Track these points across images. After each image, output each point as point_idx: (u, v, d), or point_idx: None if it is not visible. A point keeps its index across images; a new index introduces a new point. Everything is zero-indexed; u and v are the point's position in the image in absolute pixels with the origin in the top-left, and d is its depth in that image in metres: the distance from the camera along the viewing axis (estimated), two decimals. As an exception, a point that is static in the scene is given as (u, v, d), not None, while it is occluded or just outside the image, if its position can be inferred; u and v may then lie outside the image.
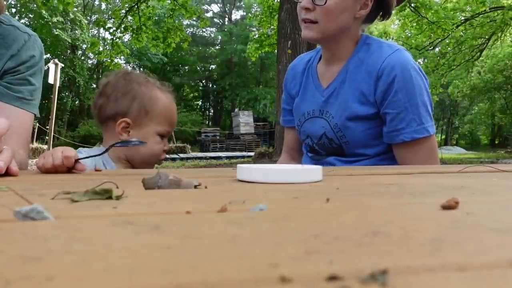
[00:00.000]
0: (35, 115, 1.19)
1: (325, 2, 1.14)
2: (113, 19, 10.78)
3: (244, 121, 20.57)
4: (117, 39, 10.30)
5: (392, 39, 14.95)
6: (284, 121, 1.50)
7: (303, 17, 1.19)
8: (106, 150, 0.89)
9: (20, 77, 1.15)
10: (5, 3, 1.06)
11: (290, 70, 1.44)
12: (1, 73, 1.12)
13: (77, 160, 0.81)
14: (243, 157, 13.49)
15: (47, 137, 11.16)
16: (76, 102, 24.02)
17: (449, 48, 13.17)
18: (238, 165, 0.69)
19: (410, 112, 1.13)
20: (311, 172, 0.65)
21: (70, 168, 0.81)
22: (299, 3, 1.20)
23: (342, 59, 1.24)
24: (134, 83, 1.15)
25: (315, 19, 1.17)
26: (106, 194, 0.46)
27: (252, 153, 12.63)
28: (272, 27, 10.55)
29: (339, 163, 1.24)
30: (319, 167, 0.68)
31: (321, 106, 1.27)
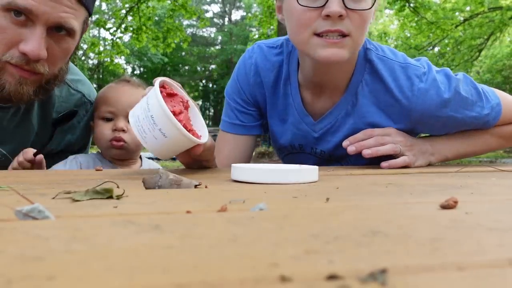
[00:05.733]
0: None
1: (372, 4, 0.86)
2: (113, 19, 10.78)
3: (244, 121, 20.50)
4: (117, 39, 10.30)
5: (392, 39, 14.95)
6: (234, 126, 1.09)
7: (332, 28, 0.84)
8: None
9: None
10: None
11: (253, 70, 1.06)
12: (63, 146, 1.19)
13: (35, 154, 0.97)
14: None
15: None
16: (76, 102, 23.89)
17: (448, 48, 13.19)
18: (233, 164, 0.68)
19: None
20: (307, 172, 0.65)
21: (31, 161, 0.96)
22: (314, 8, 0.84)
23: (340, 84, 0.99)
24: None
25: (348, 31, 0.85)
26: (107, 194, 0.47)
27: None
28: (271, 27, 10.55)
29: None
30: (315, 167, 0.67)
31: (312, 143, 1.06)
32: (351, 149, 0.94)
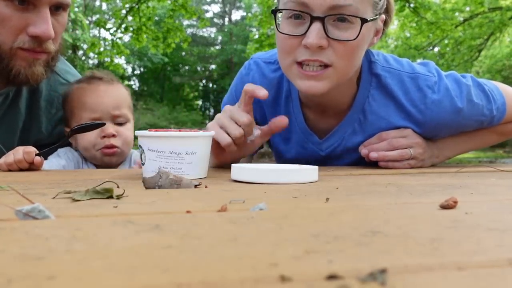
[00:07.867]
0: None
1: (357, 36, 0.79)
2: (113, 19, 10.79)
3: (244, 121, 20.49)
4: (117, 40, 10.31)
5: (392, 39, 14.94)
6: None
7: (311, 58, 0.80)
8: (68, 138, 0.97)
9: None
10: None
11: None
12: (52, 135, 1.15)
13: (37, 155, 0.88)
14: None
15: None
16: (76, 102, 23.81)
17: (448, 49, 13.17)
18: (233, 164, 0.68)
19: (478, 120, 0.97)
20: (307, 172, 0.65)
21: (30, 163, 0.87)
22: (292, 36, 0.81)
23: (343, 101, 0.96)
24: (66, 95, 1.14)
25: (330, 61, 0.80)
26: (107, 194, 0.47)
27: (251, 153, 12.58)
28: (272, 27, 10.56)
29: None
30: (315, 167, 0.67)
31: (320, 161, 1.02)
32: (364, 152, 0.94)
